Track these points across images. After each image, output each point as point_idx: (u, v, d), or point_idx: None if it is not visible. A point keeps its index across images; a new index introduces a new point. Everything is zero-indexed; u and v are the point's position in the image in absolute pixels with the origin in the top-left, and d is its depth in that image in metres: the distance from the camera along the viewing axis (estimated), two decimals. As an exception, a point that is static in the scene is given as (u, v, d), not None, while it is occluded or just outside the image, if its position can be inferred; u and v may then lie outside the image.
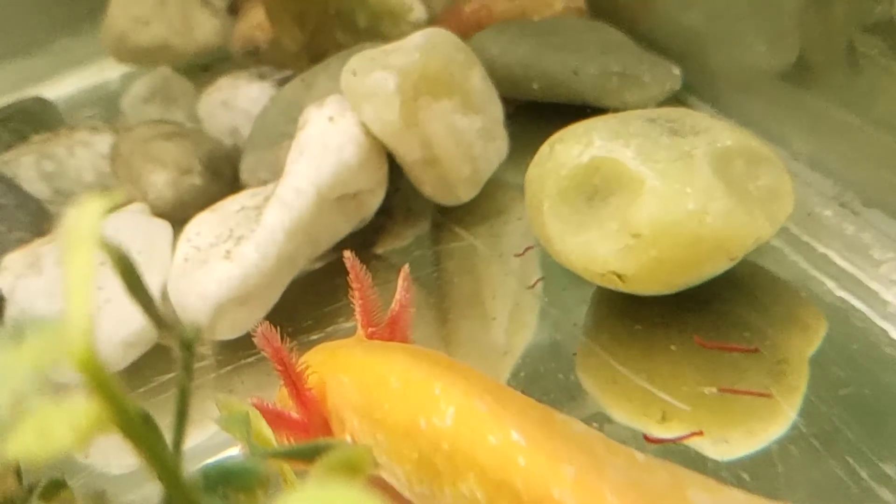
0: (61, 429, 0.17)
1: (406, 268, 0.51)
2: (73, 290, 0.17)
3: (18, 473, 0.28)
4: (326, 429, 0.46)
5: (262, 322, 0.46)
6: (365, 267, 0.50)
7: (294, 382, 0.45)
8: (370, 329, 0.49)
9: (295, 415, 0.45)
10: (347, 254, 0.49)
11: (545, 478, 0.34)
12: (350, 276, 0.49)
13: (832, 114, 0.67)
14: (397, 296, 0.50)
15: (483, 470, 0.36)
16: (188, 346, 0.22)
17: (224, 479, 0.26)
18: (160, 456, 0.19)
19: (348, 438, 0.44)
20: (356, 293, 0.49)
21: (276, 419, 0.44)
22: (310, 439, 0.45)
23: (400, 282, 0.50)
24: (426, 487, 0.40)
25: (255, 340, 0.45)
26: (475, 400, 0.38)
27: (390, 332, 0.49)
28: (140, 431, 0.18)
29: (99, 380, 0.17)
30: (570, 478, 0.34)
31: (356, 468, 0.31)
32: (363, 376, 0.44)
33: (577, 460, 0.34)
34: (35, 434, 0.17)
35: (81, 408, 0.17)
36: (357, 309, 0.49)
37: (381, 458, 0.42)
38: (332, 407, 0.45)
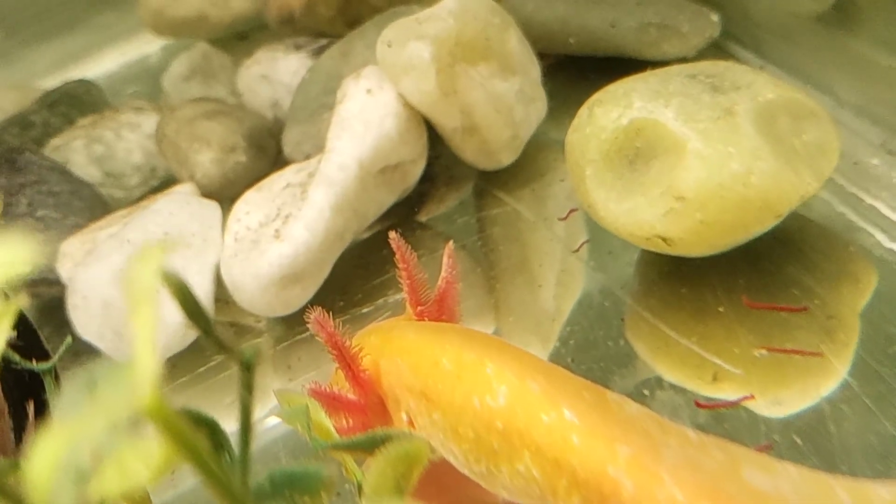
0: (138, 467, 0.19)
1: (451, 244, 0.51)
2: (139, 343, 0.18)
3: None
4: (382, 408, 0.47)
5: (314, 308, 0.47)
6: (409, 245, 0.50)
7: (349, 365, 0.46)
8: (419, 308, 0.49)
9: (351, 396, 0.47)
10: (393, 234, 0.50)
11: (600, 457, 0.35)
12: (396, 255, 0.49)
13: (877, 58, 0.66)
14: (443, 273, 0.50)
15: (538, 448, 0.37)
16: (248, 367, 0.23)
17: (289, 483, 0.27)
18: (227, 487, 0.20)
19: (404, 417, 0.45)
20: (403, 273, 0.49)
21: (332, 402, 0.46)
22: (367, 419, 0.46)
23: (445, 259, 0.50)
24: (483, 466, 0.41)
25: (310, 326, 0.46)
26: (527, 380, 0.39)
27: (438, 308, 0.50)
28: (206, 465, 0.20)
29: (169, 424, 0.18)
30: (625, 457, 0.34)
31: (415, 458, 0.32)
32: (416, 358, 0.45)
33: (632, 440, 0.35)
34: (115, 474, 0.18)
35: (154, 447, 0.19)
36: (405, 288, 0.49)
37: (439, 437, 0.43)
38: (388, 387, 0.46)
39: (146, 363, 0.18)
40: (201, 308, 0.24)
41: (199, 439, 0.19)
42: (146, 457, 0.19)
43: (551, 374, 0.39)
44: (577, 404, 0.37)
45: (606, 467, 0.35)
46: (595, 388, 0.38)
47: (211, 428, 0.28)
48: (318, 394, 0.45)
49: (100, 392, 0.18)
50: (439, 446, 0.43)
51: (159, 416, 0.18)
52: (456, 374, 0.42)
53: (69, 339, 0.42)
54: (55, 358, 0.41)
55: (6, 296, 0.24)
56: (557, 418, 0.37)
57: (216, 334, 0.24)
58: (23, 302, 0.22)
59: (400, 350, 0.46)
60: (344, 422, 0.46)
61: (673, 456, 0.34)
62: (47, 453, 0.17)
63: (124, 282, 0.19)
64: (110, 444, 0.18)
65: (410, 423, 0.45)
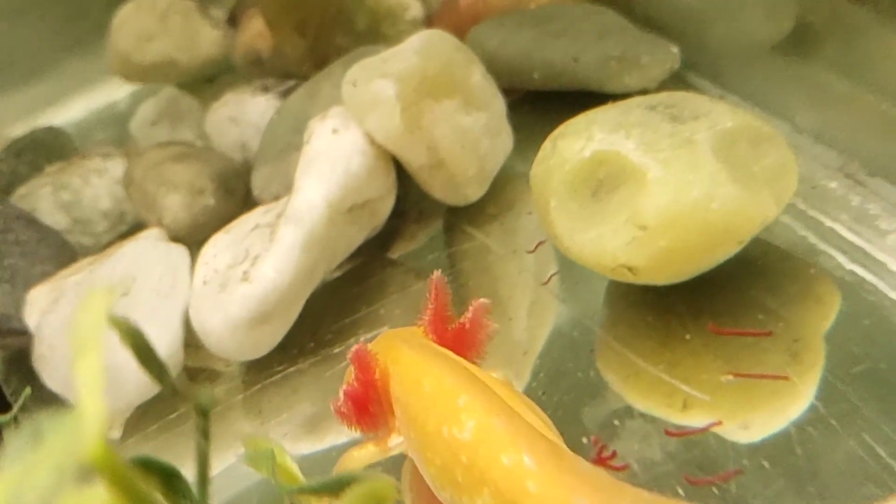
0: (86, 518, 0.18)
1: (485, 301, 0.50)
2: (85, 390, 0.18)
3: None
4: (381, 406, 0.49)
5: (359, 343, 0.49)
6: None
7: (360, 363, 0.48)
8: (434, 336, 0.50)
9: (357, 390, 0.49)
10: (437, 273, 0.50)
11: None
12: (430, 294, 0.50)
13: (832, 84, 0.67)
14: (462, 319, 0.50)
15: (497, 488, 0.37)
16: (204, 413, 0.23)
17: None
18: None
19: (397, 423, 0.47)
20: (430, 309, 0.49)
21: (352, 397, 0.48)
22: (372, 414, 0.49)
23: (473, 308, 0.50)
24: (448, 494, 0.41)
25: (350, 359, 0.49)
26: (493, 417, 0.39)
27: (454, 340, 0.50)
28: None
29: (115, 473, 0.18)
30: None
31: (380, 499, 0.32)
32: (404, 373, 0.46)
33: (588, 493, 0.34)
34: (62, 525, 0.18)
35: (101, 497, 0.19)
36: (427, 322, 0.50)
37: (415, 456, 0.45)
38: (392, 391, 0.48)
39: (92, 410, 0.18)
40: (154, 354, 0.24)
41: (148, 487, 0.19)
42: (94, 506, 0.18)
43: (514, 417, 0.39)
44: (536, 451, 0.37)
45: None
46: (553, 443, 0.38)
47: (171, 476, 0.28)
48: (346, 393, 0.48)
49: (46, 441, 0.18)
50: (417, 464, 0.45)
51: (105, 463, 0.18)
52: (432, 398, 0.43)
53: (28, 390, 0.41)
54: (14, 410, 0.40)
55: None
56: (517, 461, 0.37)
57: (170, 380, 0.24)
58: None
59: (394, 361, 0.47)
60: (352, 409, 0.48)
61: None
62: (-12, 506, 0.17)
63: (70, 327, 0.19)
64: (56, 494, 0.18)
65: (399, 430, 0.47)
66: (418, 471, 0.47)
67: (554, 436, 0.43)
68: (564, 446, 0.39)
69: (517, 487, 0.36)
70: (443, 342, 0.49)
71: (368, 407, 0.49)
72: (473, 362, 0.50)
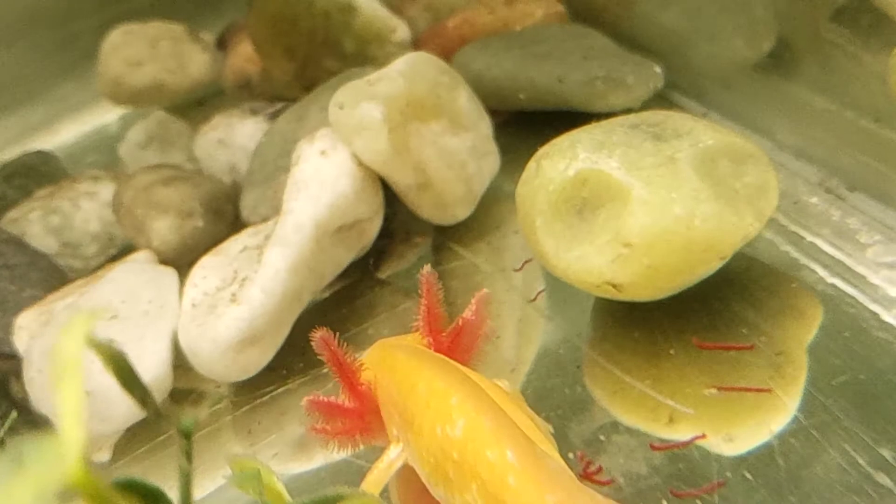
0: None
1: (485, 291, 0.51)
2: (65, 416, 0.18)
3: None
4: (379, 417, 0.50)
5: (321, 329, 0.49)
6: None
7: (346, 375, 0.49)
8: (430, 338, 0.50)
9: (349, 404, 0.49)
10: (426, 268, 0.51)
11: (531, 501, 0.37)
12: (422, 290, 0.50)
13: (812, 101, 0.68)
14: (464, 313, 0.51)
15: (483, 483, 0.39)
16: (186, 435, 0.24)
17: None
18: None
19: (394, 432, 0.48)
20: (423, 305, 0.50)
21: (329, 409, 0.49)
22: (364, 424, 0.50)
23: (473, 303, 0.51)
24: (441, 491, 0.43)
25: (313, 345, 0.49)
26: (482, 415, 0.40)
27: (450, 344, 0.51)
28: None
29: (97, 495, 0.18)
30: None
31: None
32: (400, 378, 0.47)
33: (557, 491, 0.37)
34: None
35: (85, 518, 0.19)
36: (421, 319, 0.50)
37: (412, 457, 0.46)
38: (383, 399, 0.49)
39: (72, 435, 0.18)
40: (137, 377, 0.24)
41: (130, 507, 0.19)
42: (77, 527, 0.19)
43: (501, 415, 0.40)
44: (518, 447, 0.38)
45: None
46: (533, 441, 0.40)
47: (155, 497, 0.29)
48: (315, 404, 0.48)
49: (27, 466, 0.18)
50: (414, 464, 0.46)
51: (85, 487, 0.18)
52: (426, 400, 0.44)
53: (14, 413, 0.42)
54: (0, 433, 0.40)
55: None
56: (500, 457, 0.38)
57: (154, 403, 0.25)
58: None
59: (390, 367, 0.48)
60: (340, 424, 0.49)
61: None
62: (-30, 528, 0.17)
63: (50, 353, 0.19)
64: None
65: (398, 437, 0.48)
66: (407, 480, 0.48)
67: (544, 438, 0.44)
68: (553, 448, 0.41)
69: (500, 481, 0.38)
70: (439, 345, 0.51)
71: (364, 416, 0.50)
72: (470, 365, 0.51)
